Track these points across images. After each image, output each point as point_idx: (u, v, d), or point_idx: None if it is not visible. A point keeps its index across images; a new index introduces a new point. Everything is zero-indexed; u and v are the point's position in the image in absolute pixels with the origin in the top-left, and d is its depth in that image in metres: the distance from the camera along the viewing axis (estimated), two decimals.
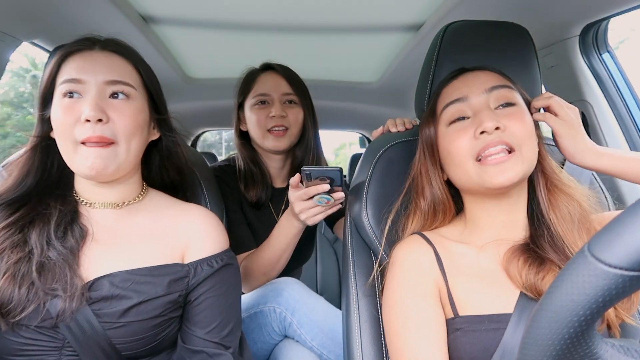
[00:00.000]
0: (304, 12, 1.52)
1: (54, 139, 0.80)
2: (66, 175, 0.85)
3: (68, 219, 0.80)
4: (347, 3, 1.43)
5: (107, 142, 0.76)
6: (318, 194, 1.00)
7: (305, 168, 0.98)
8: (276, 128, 1.33)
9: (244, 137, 1.43)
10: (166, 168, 0.94)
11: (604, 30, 1.33)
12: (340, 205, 1.05)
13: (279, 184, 1.44)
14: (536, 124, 0.83)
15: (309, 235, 1.45)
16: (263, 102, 1.35)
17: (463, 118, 0.79)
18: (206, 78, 2.24)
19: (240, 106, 1.42)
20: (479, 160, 0.76)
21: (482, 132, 0.74)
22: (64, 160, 0.80)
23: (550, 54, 1.39)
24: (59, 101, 0.78)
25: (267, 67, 1.41)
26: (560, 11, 1.24)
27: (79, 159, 0.76)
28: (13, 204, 0.80)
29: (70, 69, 0.78)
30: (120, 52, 0.83)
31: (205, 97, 2.31)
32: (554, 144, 0.86)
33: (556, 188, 0.81)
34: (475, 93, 0.79)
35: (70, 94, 0.77)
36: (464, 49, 0.96)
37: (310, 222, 1.07)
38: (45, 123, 0.82)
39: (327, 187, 0.98)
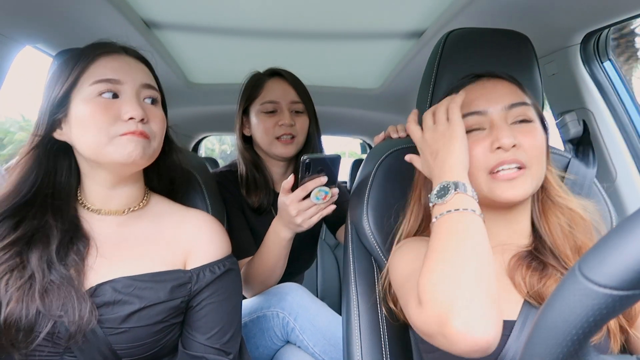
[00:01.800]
0: (307, 19, 1.52)
1: (56, 141, 0.80)
2: (66, 182, 0.83)
3: (68, 238, 0.78)
4: (349, 10, 1.43)
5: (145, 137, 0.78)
6: (317, 187, 0.99)
7: (305, 157, 0.96)
8: (285, 136, 1.33)
9: (247, 141, 1.42)
10: (162, 173, 0.94)
11: (605, 38, 1.33)
12: (334, 206, 1.04)
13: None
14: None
15: (311, 240, 1.44)
16: (271, 110, 1.35)
17: (479, 129, 0.79)
18: (208, 83, 2.25)
19: (245, 111, 1.41)
20: (491, 174, 0.76)
21: (498, 147, 0.75)
22: (63, 166, 0.80)
23: (552, 62, 1.39)
24: (91, 99, 0.76)
25: (274, 73, 1.39)
26: (561, 19, 1.24)
27: (114, 148, 0.75)
28: (11, 218, 0.77)
29: (105, 70, 0.78)
30: (142, 60, 0.86)
31: (207, 102, 2.31)
32: (556, 151, 0.86)
33: (550, 201, 0.82)
34: (494, 107, 0.79)
35: (108, 93, 0.77)
36: (465, 56, 0.96)
37: (306, 225, 1.05)
38: (50, 124, 0.78)
39: (325, 179, 0.99)
